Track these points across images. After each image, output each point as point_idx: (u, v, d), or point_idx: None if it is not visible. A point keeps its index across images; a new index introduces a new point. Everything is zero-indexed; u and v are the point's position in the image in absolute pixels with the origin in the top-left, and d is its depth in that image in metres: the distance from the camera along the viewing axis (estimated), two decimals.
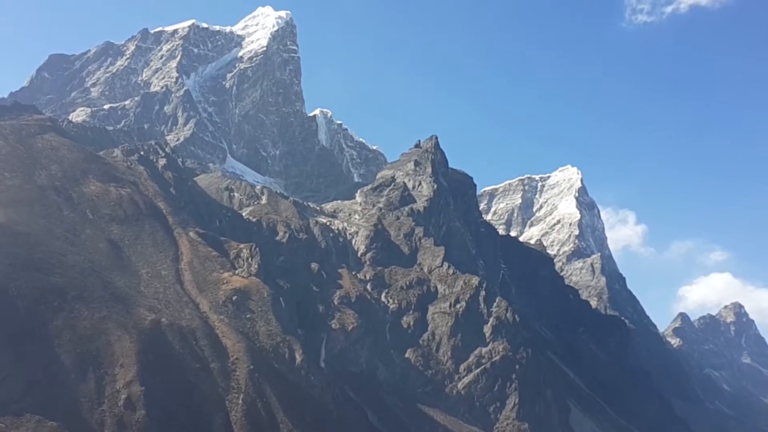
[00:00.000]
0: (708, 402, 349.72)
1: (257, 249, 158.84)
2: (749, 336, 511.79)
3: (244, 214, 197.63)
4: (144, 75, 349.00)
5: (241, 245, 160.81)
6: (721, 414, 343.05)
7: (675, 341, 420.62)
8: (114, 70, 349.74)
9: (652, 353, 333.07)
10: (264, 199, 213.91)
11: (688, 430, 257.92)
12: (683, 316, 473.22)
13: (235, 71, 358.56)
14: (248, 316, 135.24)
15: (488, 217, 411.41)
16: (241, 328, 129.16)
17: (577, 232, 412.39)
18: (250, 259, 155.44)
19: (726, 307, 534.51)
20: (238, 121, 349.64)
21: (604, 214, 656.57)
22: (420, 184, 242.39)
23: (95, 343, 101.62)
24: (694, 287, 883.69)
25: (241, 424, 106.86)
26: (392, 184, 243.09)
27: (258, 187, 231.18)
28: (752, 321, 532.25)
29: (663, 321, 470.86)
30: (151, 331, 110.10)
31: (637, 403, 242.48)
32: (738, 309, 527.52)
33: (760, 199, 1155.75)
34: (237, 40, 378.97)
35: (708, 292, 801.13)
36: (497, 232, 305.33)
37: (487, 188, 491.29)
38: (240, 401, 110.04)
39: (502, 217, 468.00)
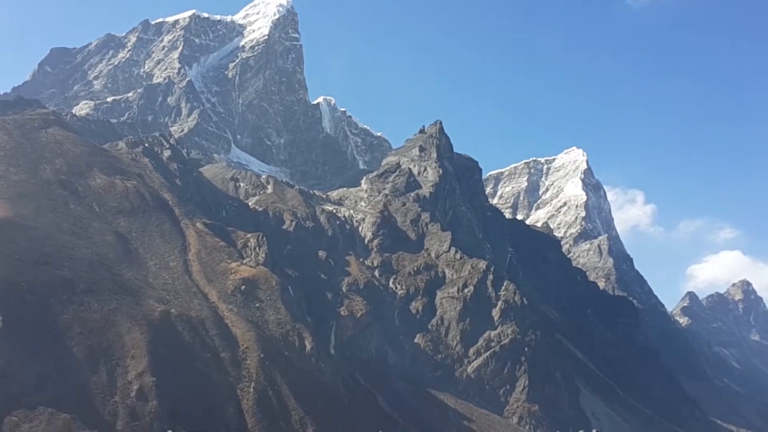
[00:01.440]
0: (717, 380, 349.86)
1: (264, 238, 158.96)
2: (758, 313, 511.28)
3: (250, 204, 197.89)
4: (146, 66, 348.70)
5: (248, 235, 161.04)
6: (731, 391, 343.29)
7: (683, 320, 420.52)
8: (116, 63, 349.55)
9: (661, 333, 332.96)
10: (270, 189, 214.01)
11: (697, 409, 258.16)
12: (691, 295, 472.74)
13: (237, 61, 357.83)
14: (257, 305, 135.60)
15: (494, 201, 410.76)
16: (250, 318, 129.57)
17: (583, 213, 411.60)
18: (257, 249, 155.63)
19: (734, 285, 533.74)
20: (242, 110, 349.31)
21: (613, 195, 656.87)
22: (425, 169, 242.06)
23: (106, 336, 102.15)
24: (704, 266, 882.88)
25: (253, 413, 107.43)
26: (397, 171, 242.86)
27: (263, 177, 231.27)
28: (760, 298, 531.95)
29: (673, 300, 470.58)
30: (161, 322, 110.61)
31: (646, 383, 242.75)
32: (746, 287, 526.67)
33: None
34: (238, 30, 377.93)
35: (718, 271, 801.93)
36: (504, 216, 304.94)
37: (492, 172, 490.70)
38: (251, 390, 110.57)
39: (508, 200, 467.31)
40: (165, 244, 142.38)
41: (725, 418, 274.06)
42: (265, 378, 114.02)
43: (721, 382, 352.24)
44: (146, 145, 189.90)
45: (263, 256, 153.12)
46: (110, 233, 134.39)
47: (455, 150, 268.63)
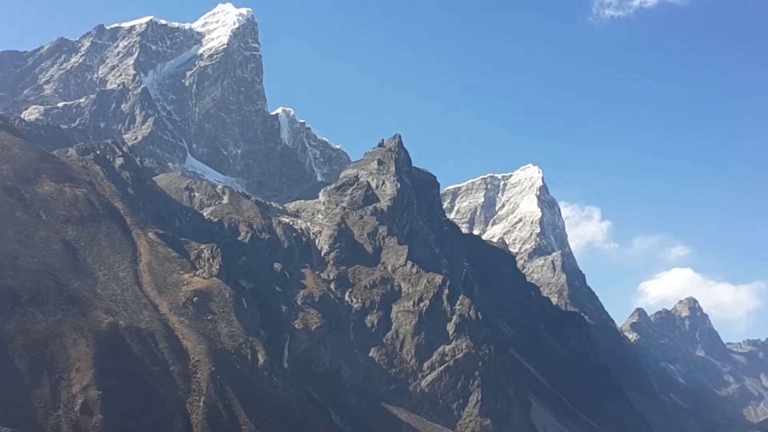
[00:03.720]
0: (664, 395, 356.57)
1: (218, 249, 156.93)
2: (703, 330, 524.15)
3: (204, 214, 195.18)
4: (100, 72, 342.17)
5: (202, 246, 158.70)
6: (677, 406, 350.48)
7: (632, 336, 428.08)
8: (68, 67, 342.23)
9: (611, 348, 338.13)
10: (225, 199, 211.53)
11: (644, 423, 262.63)
12: (640, 311, 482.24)
13: (195, 69, 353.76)
14: (209, 317, 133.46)
15: (451, 216, 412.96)
16: (202, 330, 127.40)
17: (538, 230, 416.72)
18: (211, 260, 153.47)
19: (681, 302, 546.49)
20: (199, 119, 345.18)
21: (570, 211, 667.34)
22: (383, 183, 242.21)
23: (50, 347, 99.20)
24: (655, 282, 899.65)
25: (203, 427, 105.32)
26: (356, 183, 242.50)
27: (219, 187, 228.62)
28: (706, 315, 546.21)
29: (625, 316, 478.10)
30: (109, 334, 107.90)
31: (596, 398, 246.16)
32: (693, 304, 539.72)
33: (723, 196, 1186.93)
34: (197, 38, 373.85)
35: (669, 287, 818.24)
36: (460, 231, 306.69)
37: (450, 187, 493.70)
38: (201, 404, 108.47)
39: (465, 215, 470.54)
40: (115, 254, 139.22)
41: None
42: (215, 392, 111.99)
43: (667, 397, 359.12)
44: (98, 152, 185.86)
45: (217, 267, 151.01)
46: (57, 242, 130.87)
47: (414, 164, 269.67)
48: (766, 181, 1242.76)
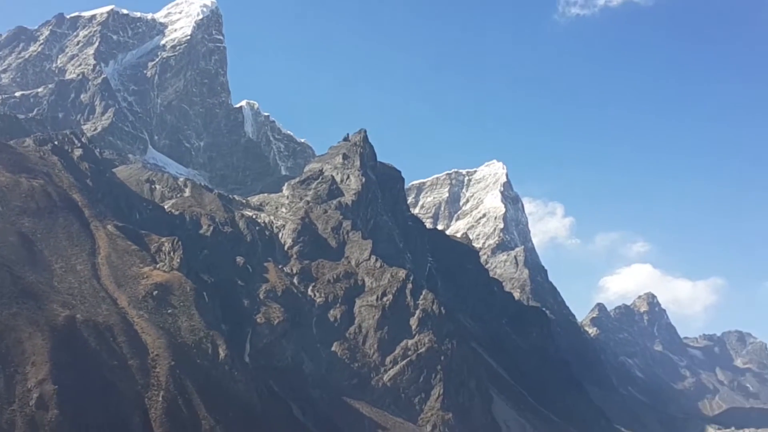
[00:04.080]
0: (622, 389, 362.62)
1: (179, 243, 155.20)
2: (661, 325, 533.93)
3: (166, 207, 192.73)
4: (59, 61, 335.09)
5: (163, 239, 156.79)
6: (635, 400, 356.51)
7: (592, 330, 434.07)
8: (26, 56, 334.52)
9: (571, 343, 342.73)
10: (187, 192, 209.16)
11: (603, 417, 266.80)
12: (600, 306, 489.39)
13: (157, 60, 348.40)
14: (170, 311, 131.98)
15: (416, 211, 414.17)
16: (162, 324, 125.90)
17: (501, 225, 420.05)
18: (172, 253, 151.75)
19: (640, 297, 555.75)
20: (160, 111, 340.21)
21: (534, 207, 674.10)
22: (348, 177, 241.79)
23: (5, 341, 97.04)
24: (616, 278, 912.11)
25: (161, 422, 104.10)
26: (320, 178, 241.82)
27: (181, 180, 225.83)
28: (664, 310, 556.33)
29: (586, 311, 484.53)
30: (65, 327, 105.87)
31: (556, 391, 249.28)
32: (651, 299, 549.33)
33: (683, 194, 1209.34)
34: (159, 28, 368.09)
35: (629, 283, 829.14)
36: (424, 226, 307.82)
37: (414, 182, 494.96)
38: (160, 398, 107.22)
39: (429, 210, 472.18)
40: (72, 247, 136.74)
41: (629, 426, 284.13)
42: (175, 386, 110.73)
43: (625, 390, 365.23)
44: (56, 142, 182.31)
45: (178, 261, 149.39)
46: (13, 234, 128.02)
47: (379, 159, 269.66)
48: (725, 179, 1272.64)
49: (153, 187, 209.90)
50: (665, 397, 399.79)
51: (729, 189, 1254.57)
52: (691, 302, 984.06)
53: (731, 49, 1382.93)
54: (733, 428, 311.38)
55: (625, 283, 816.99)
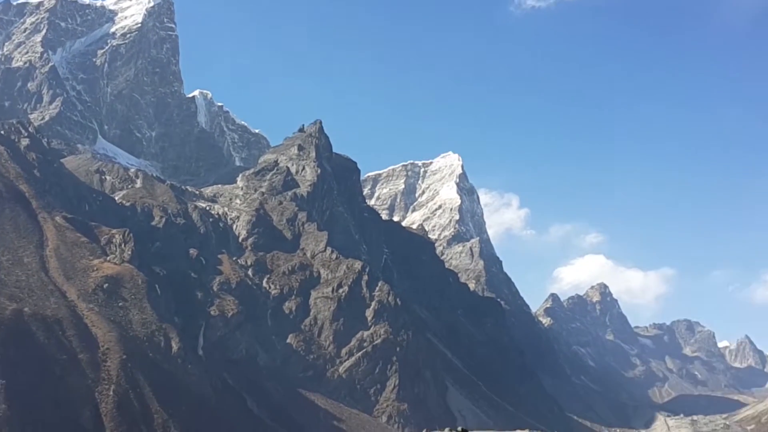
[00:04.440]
0: (575, 377, 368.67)
1: (131, 234, 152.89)
2: (613, 314, 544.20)
3: (116, 198, 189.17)
4: (5, 49, 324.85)
5: (114, 231, 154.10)
6: (587, 389, 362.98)
7: (546, 320, 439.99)
8: None
9: (525, 333, 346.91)
10: (139, 183, 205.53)
11: (556, 405, 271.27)
12: (554, 297, 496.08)
13: (106, 48, 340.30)
14: (120, 304, 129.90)
15: (372, 202, 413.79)
16: (112, 317, 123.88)
17: (457, 217, 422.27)
18: (123, 245, 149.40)
19: (593, 287, 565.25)
20: (110, 100, 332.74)
21: (489, 198, 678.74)
22: (303, 168, 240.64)
23: None
24: (569, 268, 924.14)
25: (112, 416, 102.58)
26: (275, 169, 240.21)
27: (132, 170, 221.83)
28: (616, 300, 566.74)
29: (540, 301, 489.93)
30: (12, 321, 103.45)
31: (510, 381, 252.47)
32: (603, 289, 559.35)
33: (635, 186, 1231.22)
34: (109, 15, 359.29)
35: (582, 273, 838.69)
36: (380, 217, 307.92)
37: (370, 173, 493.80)
38: (111, 392, 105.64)
39: (385, 202, 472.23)
40: (19, 239, 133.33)
41: (581, 414, 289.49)
42: (126, 380, 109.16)
43: (578, 379, 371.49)
44: (2, 132, 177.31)
45: (129, 253, 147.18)
46: None
47: (334, 150, 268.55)
48: (677, 171, 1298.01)
49: (103, 177, 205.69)
50: (616, 385, 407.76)
51: (680, 181, 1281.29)
52: (642, 292, 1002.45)
53: (685, 39, 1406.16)
54: (681, 415, 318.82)
55: (579, 273, 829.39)
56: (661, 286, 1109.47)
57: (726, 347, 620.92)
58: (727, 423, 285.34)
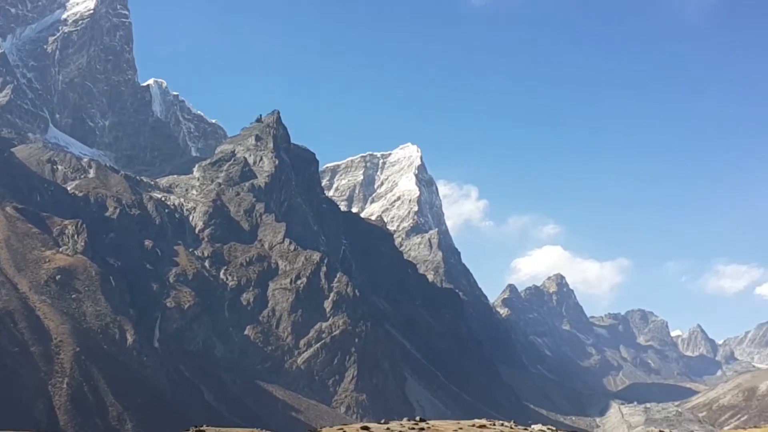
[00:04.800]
0: (531, 367, 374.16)
1: (84, 225, 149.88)
2: (569, 305, 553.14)
3: (69, 189, 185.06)
4: None
5: (66, 221, 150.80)
6: (543, 378, 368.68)
7: (504, 311, 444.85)
8: None
9: (483, 323, 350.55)
10: (92, 173, 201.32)
11: (513, 394, 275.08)
12: (512, 287, 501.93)
13: (58, 35, 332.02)
14: (74, 296, 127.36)
15: (330, 194, 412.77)
16: (65, 309, 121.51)
17: (416, 208, 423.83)
18: (75, 236, 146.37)
19: (549, 278, 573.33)
20: (62, 88, 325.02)
21: (449, 189, 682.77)
22: (261, 159, 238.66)
23: None
24: (527, 259, 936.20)
25: (66, 410, 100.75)
26: (232, 159, 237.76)
27: (85, 160, 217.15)
28: (572, 291, 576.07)
29: (498, 292, 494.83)
30: None
31: (468, 371, 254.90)
32: (560, 280, 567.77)
33: (592, 178, 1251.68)
34: (60, 1, 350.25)
35: (540, 264, 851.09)
36: (339, 208, 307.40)
37: (329, 164, 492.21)
38: (65, 385, 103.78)
39: (344, 193, 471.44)
40: None
41: (538, 402, 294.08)
42: (80, 373, 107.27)
43: (534, 369, 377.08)
44: None
45: (82, 244, 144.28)
46: None
47: (292, 141, 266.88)
48: (634, 163, 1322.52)
49: (55, 167, 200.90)
50: (572, 374, 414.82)
51: (637, 174, 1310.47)
52: (598, 282, 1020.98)
53: (641, 31, 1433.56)
54: (635, 403, 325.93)
55: (536, 264, 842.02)
56: (616, 277, 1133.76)
57: (678, 336, 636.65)
58: (680, 410, 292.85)
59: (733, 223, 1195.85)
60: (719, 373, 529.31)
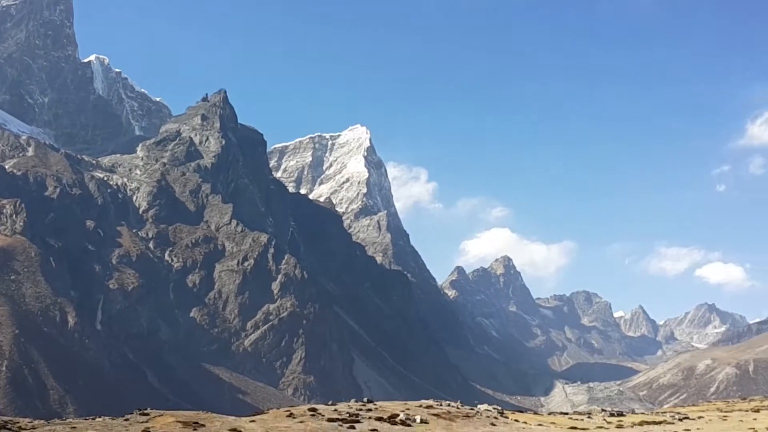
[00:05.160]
0: (478, 348, 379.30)
1: (23, 205, 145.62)
2: (516, 287, 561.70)
3: (6, 167, 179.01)
4: None
5: (4, 201, 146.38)
6: (490, 358, 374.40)
7: (451, 293, 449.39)
8: None
9: (431, 305, 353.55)
10: (30, 151, 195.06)
11: (459, 375, 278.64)
12: (459, 269, 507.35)
13: None
14: (12, 277, 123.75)
15: (278, 175, 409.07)
16: (4, 291, 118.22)
17: (365, 190, 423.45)
18: (14, 216, 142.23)
19: (497, 260, 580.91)
20: (0, 63, 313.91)
21: (398, 171, 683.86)
22: (207, 139, 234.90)
23: None
24: (476, 241, 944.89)
25: (5, 393, 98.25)
26: (177, 139, 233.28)
27: (24, 138, 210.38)
28: (519, 273, 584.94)
29: (446, 274, 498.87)
30: None
31: (416, 352, 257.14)
32: (507, 262, 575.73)
33: (540, 161, 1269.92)
34: None
35: (488, 246, 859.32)
36: (287, 190, 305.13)
37: (277, 145, 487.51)
38: (4, 368, 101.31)
39: (292, 174, 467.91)
40: None
41: (484, 383, 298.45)
42: (20, 356, 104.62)
43: (481, 350, 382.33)
44: None
45: (21, 224, 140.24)
46: None
47: (240, 121, 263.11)
48: (582, 147, 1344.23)
49: None
50: (518, 355, 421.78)
51: (584, 157, 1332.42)
52: (545, 264, 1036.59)
53: (589, 13, 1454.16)
54: (579, 382, 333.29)
55: (485, 246, 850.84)
56: (562, 259, 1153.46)
57: (621, 317, 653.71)
58: (621, 389, 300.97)
59: (676, 206, 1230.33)
60: (660, 352, 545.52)
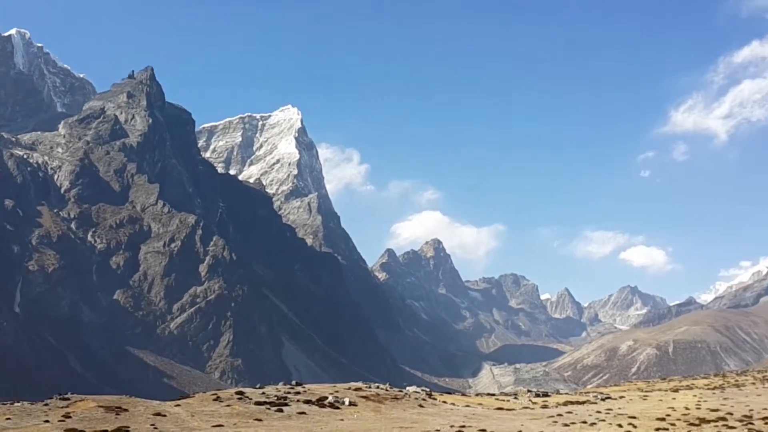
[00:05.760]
0: (408, 330, 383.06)
1: None
2: (446, 269, 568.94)
3: None
4: None
5: None
6: (419, 340, 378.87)
7: (382, 275, 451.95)
8: None
9: (362, 287, 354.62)
10: None
11: (389, 357, 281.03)
12: (390, 252, 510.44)
13: None
14: None
15: (207, 155, 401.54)
16: None
17: (295, 171, 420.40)
18: None
19: (427, 243, 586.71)
20: None
21: (331, 153, 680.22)
22: (133, 117, 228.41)
23: None
24: (407, 224, 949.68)
25: None
26: (102, 117, 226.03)
27: None
28: (449, 255, 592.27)
29: (377, 257, 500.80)
30: None
31: (345, 335, 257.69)
32: (437, 245, 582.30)
33: (471, 145, 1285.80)
34: None
35: (419, 229, 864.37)
36: (216, 170, 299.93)
37: (206, 125, 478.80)
38: None
39: (221, 155, 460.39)
40: None
41: (413, 365, 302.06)
42: None
43: (411, 332, 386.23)
44: None
45: None
46: None
47: (167, 99, 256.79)
48: (513, 131, 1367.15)
49: None
50: (447, 337, 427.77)
51: (515, 141, 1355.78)
52: (475, 247, 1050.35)
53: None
54: (506, 364, 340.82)
55: (416, 229, 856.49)
56: (492, 242, 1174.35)
57: (548, 299, 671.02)
58: (547, 370, 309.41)
59: (602, 191, 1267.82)
60: (584, 334, 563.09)
